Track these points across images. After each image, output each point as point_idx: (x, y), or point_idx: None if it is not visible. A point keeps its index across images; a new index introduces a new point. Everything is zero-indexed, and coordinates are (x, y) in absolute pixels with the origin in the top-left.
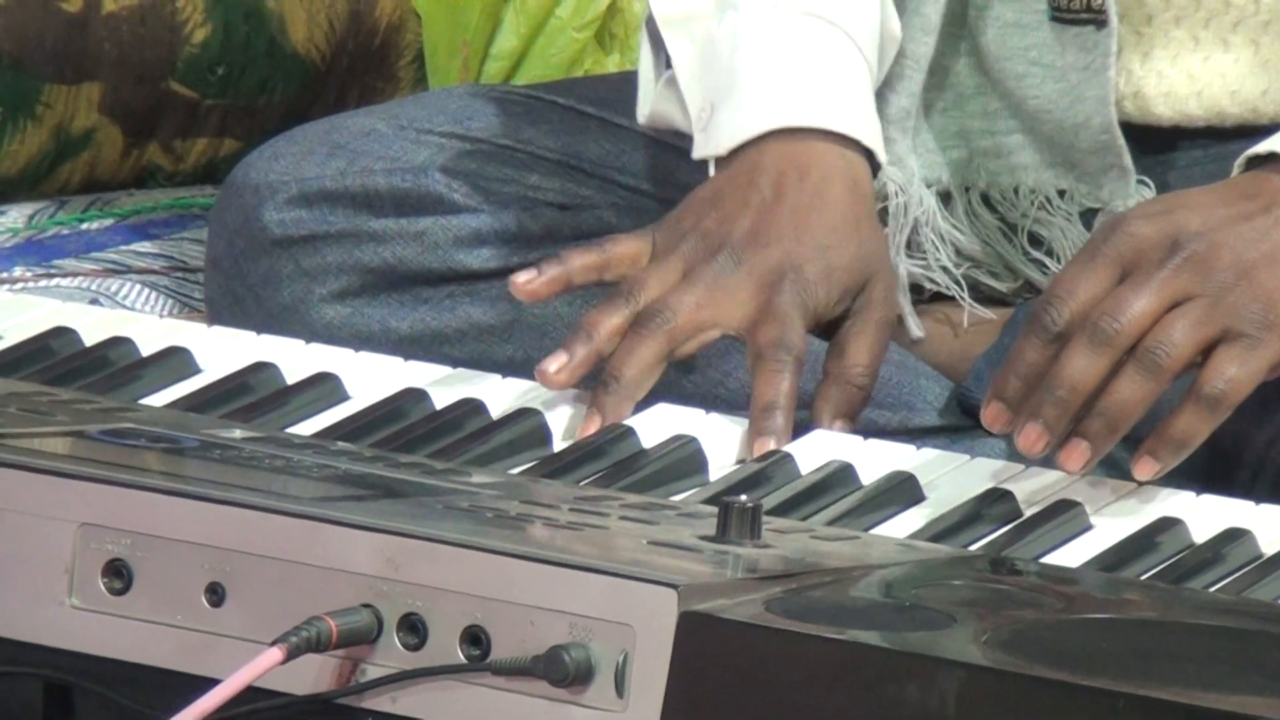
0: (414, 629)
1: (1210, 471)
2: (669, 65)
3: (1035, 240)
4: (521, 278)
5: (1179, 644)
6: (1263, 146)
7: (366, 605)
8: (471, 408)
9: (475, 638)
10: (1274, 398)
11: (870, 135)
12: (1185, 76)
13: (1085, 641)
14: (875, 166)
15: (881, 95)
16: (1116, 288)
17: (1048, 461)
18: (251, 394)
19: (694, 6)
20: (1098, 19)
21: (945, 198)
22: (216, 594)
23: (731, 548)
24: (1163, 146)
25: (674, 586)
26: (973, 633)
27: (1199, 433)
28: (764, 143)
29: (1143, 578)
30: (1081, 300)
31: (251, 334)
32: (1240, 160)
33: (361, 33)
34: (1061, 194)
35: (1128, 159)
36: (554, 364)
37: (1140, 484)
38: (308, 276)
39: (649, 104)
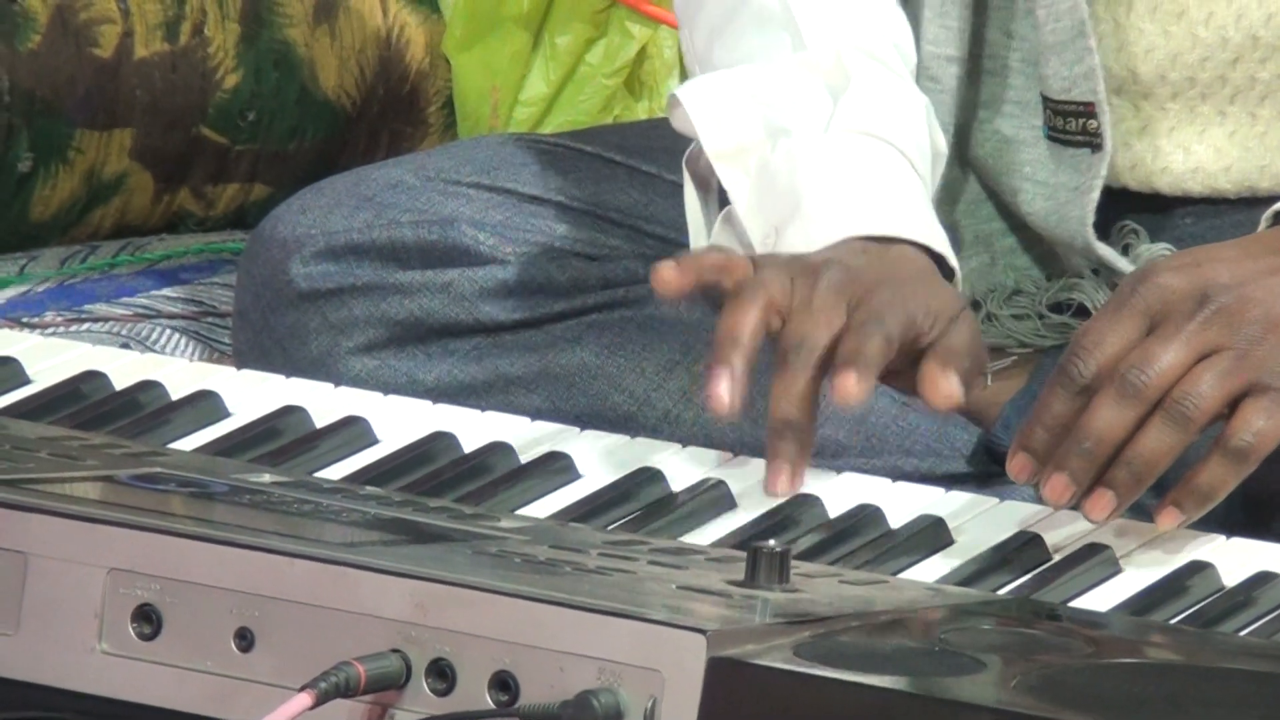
0: (443, 674)
1: (1246, 518)
2: (721, 204)
3: (1055, 307)
4: (665, 273)
5: (1210, 689)
6: None
7: (395, 650)
8: (500, 451)
9: (504, 683)
10: None
11: (939, 242)
12: (1212, 151)
13: (1115, 686)
14: (948, 273)
15: None
16: (1144, 339)
17: (1077, 506)
18: (280, 438)
19: (746, 139)
20: (1093, 142)
21: (974, 306)
22: (245, 639)
23: (760, 592)
24: (1179, 215)
25: (703, 632)
26: (1002, 677)
27: (1225, 484)
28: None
29: (1172, 622)
30: (1109, 352)
31: (280, 378)
32: (1268, 215)
33: (392, 79)
34: (1095, 271)
35: (1122, 263)
36: (721, 384)
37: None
38: (334, 330)
39: (705, 243)
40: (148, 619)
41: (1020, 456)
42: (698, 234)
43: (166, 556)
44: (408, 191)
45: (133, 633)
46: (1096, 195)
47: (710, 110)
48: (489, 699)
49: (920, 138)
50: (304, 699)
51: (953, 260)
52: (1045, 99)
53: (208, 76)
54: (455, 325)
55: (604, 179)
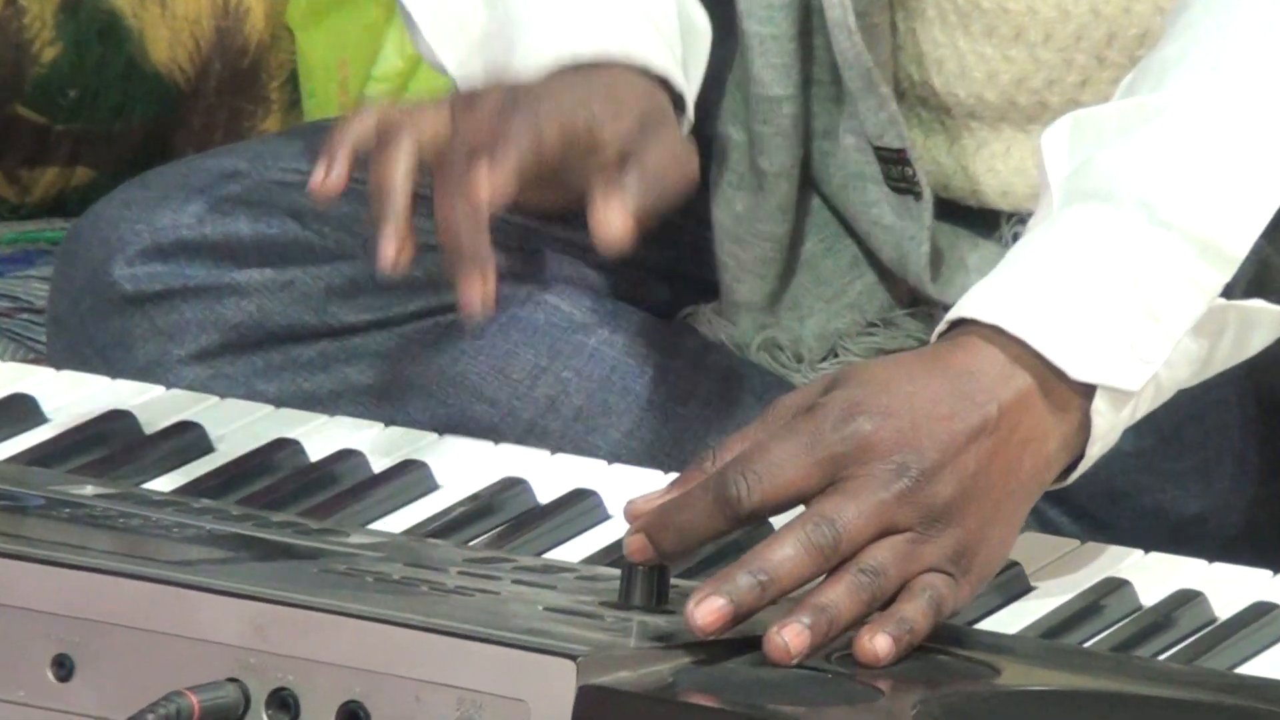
0: (285, 705)
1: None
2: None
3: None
4: (317, 186)
5: (1126, 718)
6: (974, 310)
7: (232, 679)
8: (350, 460)
9: (353, 714)
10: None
11: (665, 65)
12: None
13: (1024, 716)
14: (680, 103)
15: (748, 284)
16: (832, 489)
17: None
18: (105, 445)
19: (467, 14)
20: (914, 190)
21: (871, 326)
22: (64, 667)
23: (636, 614)
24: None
25: (572, 657)
26: (900, 707)
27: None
28: None
29: (1086, 645)
30: (782, 492)
31: (105, 380)
32: (947, 322)
33: (230, 52)
34: None
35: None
36: (388, 248)
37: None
38: (164, 336)
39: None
40: None
41: (641, 539)
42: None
43: None
44: (243, 182)
45: None
46: (928, 248)
47: None
48: None
49: (660, 5)
50: None
51: (678, 82)
52: (869, 142)
53: (23, 49)
54: (298, 329)
55: None
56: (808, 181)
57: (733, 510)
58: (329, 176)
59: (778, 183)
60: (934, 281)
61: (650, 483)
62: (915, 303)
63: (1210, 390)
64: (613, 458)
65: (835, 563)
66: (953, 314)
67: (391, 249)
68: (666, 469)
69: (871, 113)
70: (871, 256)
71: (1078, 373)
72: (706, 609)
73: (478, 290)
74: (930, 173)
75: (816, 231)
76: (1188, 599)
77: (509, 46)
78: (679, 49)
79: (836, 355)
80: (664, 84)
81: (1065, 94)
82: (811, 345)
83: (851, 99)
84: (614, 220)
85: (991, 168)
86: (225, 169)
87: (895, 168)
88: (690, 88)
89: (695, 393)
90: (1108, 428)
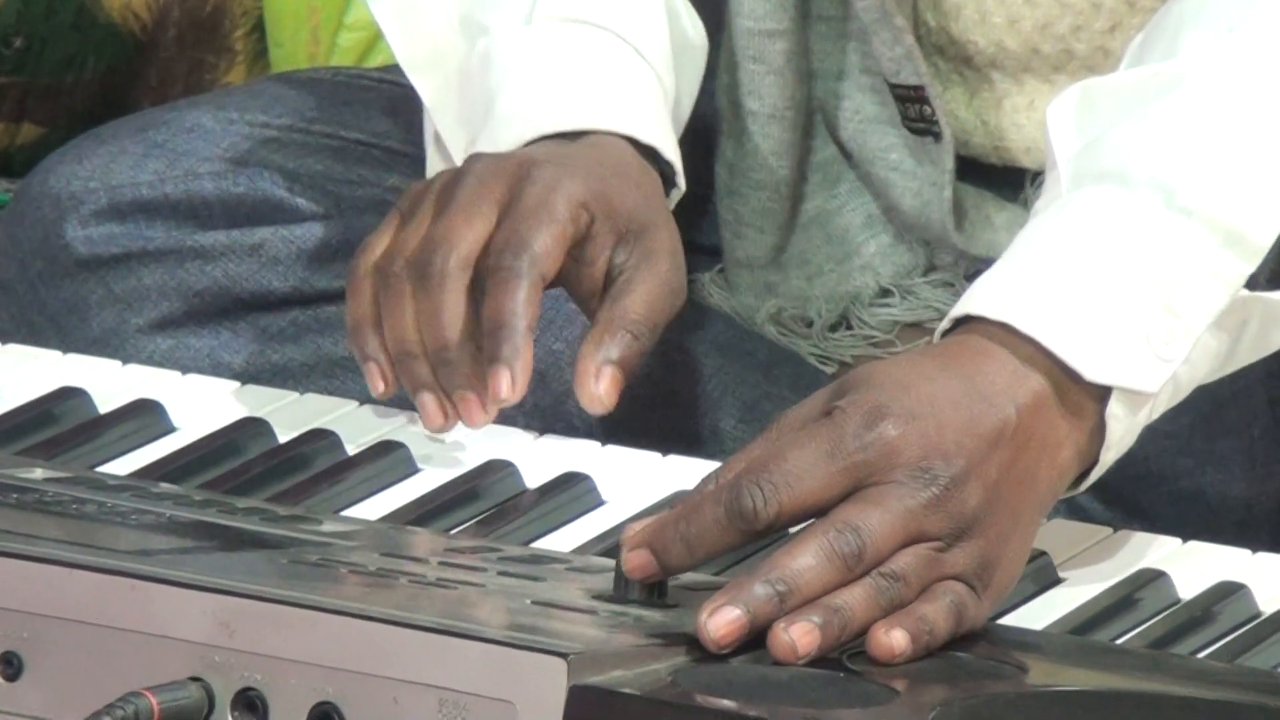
0: (252, 707)
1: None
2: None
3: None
4: (378, 386)
5: None
6: (981, 306)
7: (195, 679)
8: (323, 441)
9: (326, 716)
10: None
11: (653, 133)
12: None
13: (1051, 719)
14: (668, 174)
15: (748, 239)
16: (855, 497)
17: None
18: (56, 425)
19: (442, 43)
20: (933, 130)
21: (884, 293)
22: (12, 665)
23: (631, 608)
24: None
25: (563, 655)
26: (917, 709)
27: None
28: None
29: (1119, 642)
30: (801, 502)
31: (56, 354)
32: (944, 324)
33: None
34: None
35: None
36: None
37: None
38: (121, 303)
39: (430, 169)
40: None
41: (644, 554)
42: (429, 157)
43: None
44: (206, 136)
45: None
46: (950, 193)
47: (401, 15)
48: None
49: (650, 24)
50: None
51: (669, 153)
52: (885, 80)
53: None
54: (268, 295)
55: None
56: (814, 131)
57: (747, 523)
58: (387, 386)
59: (769, 125)
60: (958, 231)
61: (646, 465)
62: (934, 268)
63: (1255, 364)
64: (606, 438)
65: (859, 574)
66: (958, 309)
67: (437, 416)
68: (665, 451)
69: (886, 47)
70: (888, 214)
71: (1093, 374)
72: (720, 621)
73: (505, 382)
74: (948, 127)
75: (827, 186)
76: (1229, 592)
77: (488, 102)
78: (670, 79)
79: (849, 326)
80: (653, 153)
81: (1093, 41)
82: (821, 308)
83: (864, 33)
84: (601, 388)
85: (1015, 122)
86: (187, 122)
87: (913, 106)
88: (680, 124)
89: (697, 367)
90: (1123, 432)
